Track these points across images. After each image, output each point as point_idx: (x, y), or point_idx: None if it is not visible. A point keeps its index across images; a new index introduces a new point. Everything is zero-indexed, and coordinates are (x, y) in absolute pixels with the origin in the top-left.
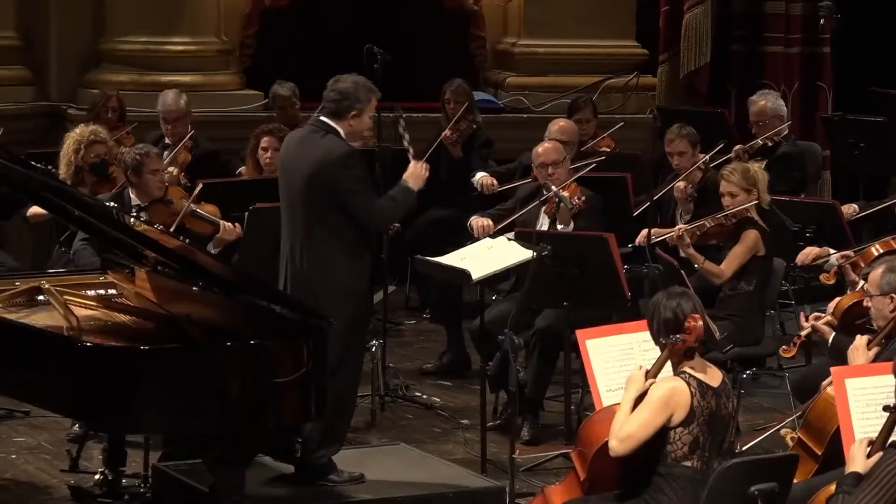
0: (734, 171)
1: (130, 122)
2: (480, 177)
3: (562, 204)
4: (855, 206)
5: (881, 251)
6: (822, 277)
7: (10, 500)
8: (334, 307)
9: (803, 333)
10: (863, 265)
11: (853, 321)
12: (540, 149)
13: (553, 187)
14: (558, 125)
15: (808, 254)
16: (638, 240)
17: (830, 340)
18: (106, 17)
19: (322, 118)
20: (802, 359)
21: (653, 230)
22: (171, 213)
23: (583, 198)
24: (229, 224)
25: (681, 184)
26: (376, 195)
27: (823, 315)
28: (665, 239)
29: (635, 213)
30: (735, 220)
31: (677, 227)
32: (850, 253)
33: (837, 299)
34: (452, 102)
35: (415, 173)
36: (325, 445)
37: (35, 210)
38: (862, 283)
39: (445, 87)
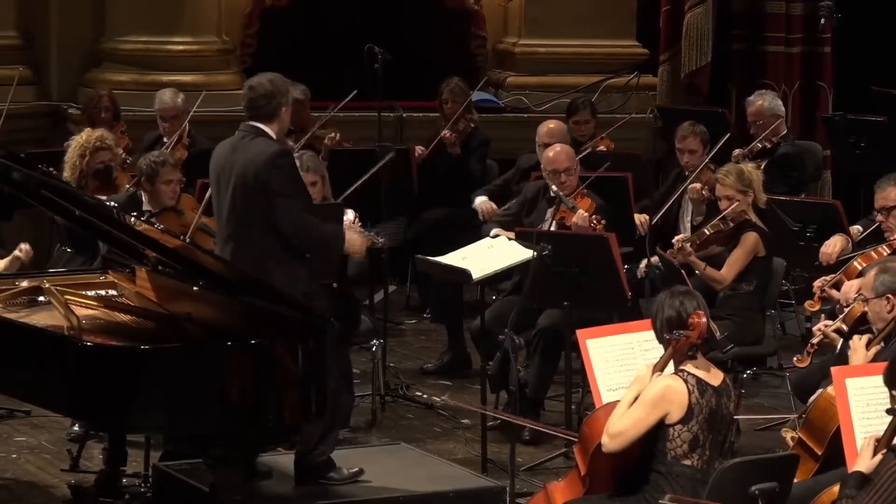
0: (728, 173)
1: (126, 121)
2: (480, 203)
3: (563, 204)
4: (858, 226)
5: (863, 265)
6: (807, 305)
7: (11, 500)
8: None
9: (815, 341)
10: (847, 282)
11: (864, 328)
12: (551, 153)
13: (553, 187)
14: (547, 127)
15: (830, 253)
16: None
17: (839, 348)
18: (107, 16)
19: (252, 123)
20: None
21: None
22: (181, 224)
23: (603, 222)
24: None
25: (696, 185)
26: (305, 206)
27: (832, 322)
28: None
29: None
30: (733, 223)
31: (675, 238)
32: (826, 278)
33: (848, 307)
34: (450, 102)
35: (357, 241)
36: (323, 443)
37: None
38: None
39: (443, 87)
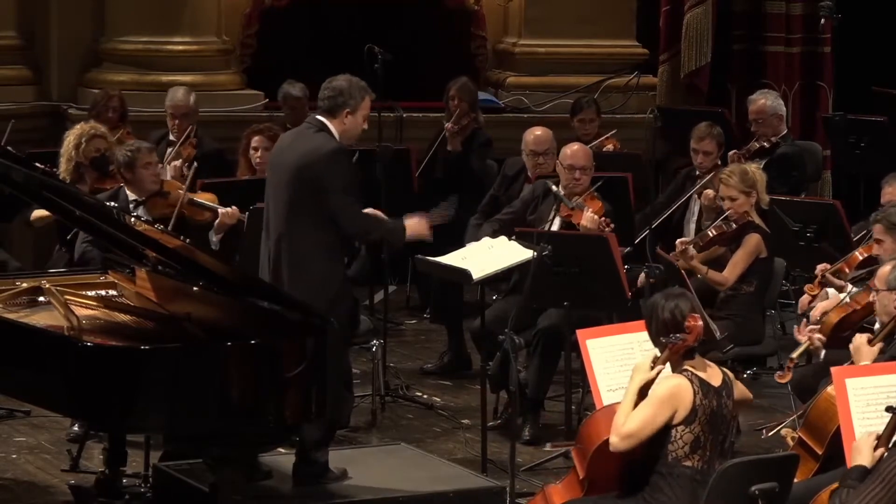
0: (732, 173)
1: (131, 122)
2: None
3: (563, 203)
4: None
5: (865, 255)
6: (807, 288)
7: (11, 500)
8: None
9: (795, 355)
10: (847, 271)
11: (842, 335)
12: (569, 150)
13: (554, 187)
14: (534, 135)
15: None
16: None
17: (822, 356)
18: (107, 16)
19: (317, 116)
20: (803, 358)
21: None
22: (169, 205)
23: (612, 225)
24: (228, 209)
25: (710, 192)
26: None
27: (815, 327)
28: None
29: (638, 238)
30: (736, 224)
31: (678, 241)
32: (826, 266)
33: (825, 316)
34: (457, 99)
35: (416, 225)
36: (322, 445)
37: (38, 213)
38: (850, 287)
39: (450, 85)
